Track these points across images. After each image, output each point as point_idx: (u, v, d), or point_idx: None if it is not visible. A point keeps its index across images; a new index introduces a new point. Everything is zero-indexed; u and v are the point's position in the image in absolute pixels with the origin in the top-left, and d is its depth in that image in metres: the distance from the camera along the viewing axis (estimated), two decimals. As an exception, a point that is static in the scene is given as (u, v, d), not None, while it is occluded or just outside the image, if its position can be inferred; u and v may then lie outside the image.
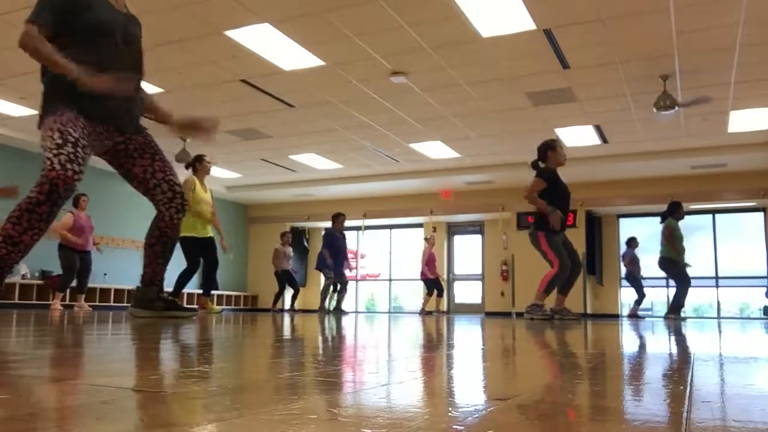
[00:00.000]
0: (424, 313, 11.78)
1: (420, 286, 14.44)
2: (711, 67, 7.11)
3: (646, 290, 11.03)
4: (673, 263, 8.36)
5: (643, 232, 12.30)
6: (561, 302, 6.06)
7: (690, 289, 8.53)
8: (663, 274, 11.99)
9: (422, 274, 12.06)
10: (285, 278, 11.59)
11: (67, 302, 9.95)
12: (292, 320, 4.94)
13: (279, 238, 11.90)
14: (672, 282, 12.18)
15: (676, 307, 8.38)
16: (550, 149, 5.98)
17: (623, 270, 11.57)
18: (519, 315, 11.77)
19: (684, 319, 8.47)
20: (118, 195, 12.59)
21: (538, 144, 6.19)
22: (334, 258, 10.28)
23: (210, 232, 6.98)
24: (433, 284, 11.99)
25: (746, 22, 5.99)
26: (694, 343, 2.41)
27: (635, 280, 10.98)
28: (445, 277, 13.94)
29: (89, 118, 2.90)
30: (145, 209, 13.59)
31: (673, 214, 8.46)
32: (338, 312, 10.34)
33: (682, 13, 5.87)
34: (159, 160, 3.19)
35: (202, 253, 6.89)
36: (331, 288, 10.51)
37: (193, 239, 6.74)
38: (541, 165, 6.04)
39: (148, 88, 8.02)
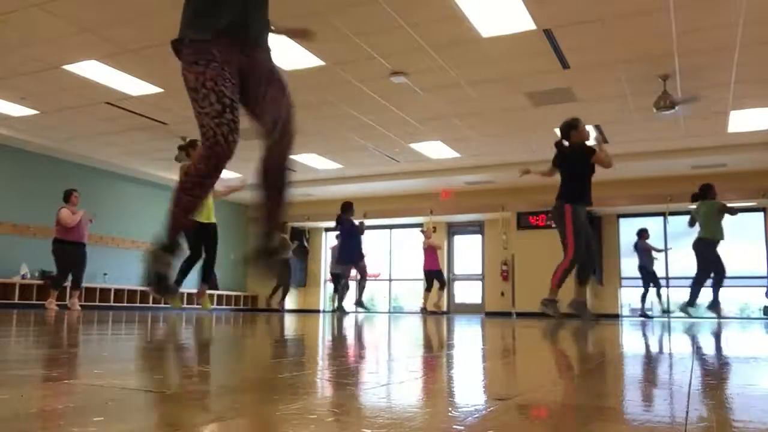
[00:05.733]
0: (426, 312, 11.72)
1: (419, 286, 14.45)
2: (711, 67, 7.11)
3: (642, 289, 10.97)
4: (715, 247, 8.03)
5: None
6: (581, 294, 5.83)
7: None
8: (663, 273, 11.90)
9: (423, 266, 12.02)
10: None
11: (61, 302, 9.93)
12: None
13: None
14: (673, 282, 12.18)
15: (692, 301, 8.03)
16: (572, 128, 5.93)
17: (631, 263, 11.41)
18: (519, 315, 11.77)
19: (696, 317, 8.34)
20: (118, 195, 12.61)
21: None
22: (357, 249, 10.07)
23: (212, 218, 6.80)
24: (431, 277, 11.86)
25: (746, 22, 5.99)
26: (695, 343, 2.41)
27: (648, 272, 10.88)
28: (444, 276, 13.89)
29: (230, 44, 2.70)
30: (145, 209, 13.55)
31: (707, 196, 8.22)
32: (361, 304, 10.20)
33: (682, 13, 5.86)
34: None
35: (202, 241, 6.69)
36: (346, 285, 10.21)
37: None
38: (566, 143, 6.03)
39: (148, 88, 8.04)
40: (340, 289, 10.16)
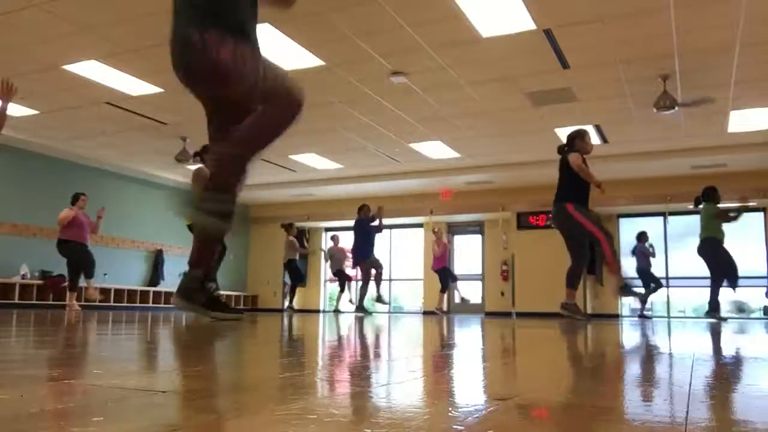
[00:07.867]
0: (441, 311, 11.70)
1: (419, 286, 14.44)
2: (711, 67, 7.11)
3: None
4: (719, 246, 7.93)
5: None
6: (571, 297, 6.00)
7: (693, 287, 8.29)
8: (666, 274, 11.82)
9: (433, 266, 12.02)
10: (291, 269, 11.44)
11: (61, 302, 9.93)
12: (290, 320, 4.94)
13: (284, 230, 11.70)
14: (673, 282, 12.17)
15: (714, 305, 7.92)
16: (578, 138, 6.01)
17: (632, 263, 11.41)
18: (519, 315, 11.76)
19: (725, 319, 8.21)
20: (118, 195, 12.60)
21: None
22: (369, 246, 10.07)
23: None
24: (444, 275, 11.85)
25: (746, 22, 5.99)
26: (695, 343, 2.41)
27: (647, 274, 10.87)
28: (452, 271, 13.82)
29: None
30: (145, 209, 13.50)
31: (711, 199, 8.21)
32: (380, 299, 10.19)
33: (682, 13, 5.87)
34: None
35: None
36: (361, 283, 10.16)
37: None
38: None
39: (148, 88, 8.04)
40: (360, 288, 10.11)
